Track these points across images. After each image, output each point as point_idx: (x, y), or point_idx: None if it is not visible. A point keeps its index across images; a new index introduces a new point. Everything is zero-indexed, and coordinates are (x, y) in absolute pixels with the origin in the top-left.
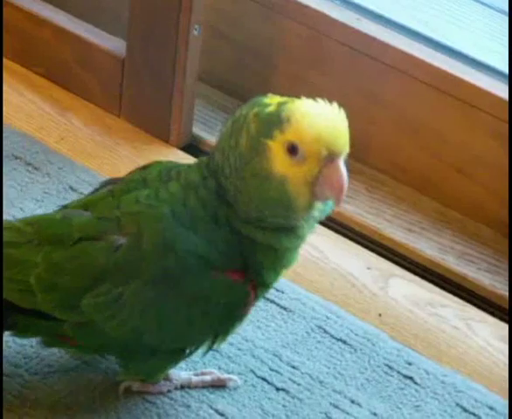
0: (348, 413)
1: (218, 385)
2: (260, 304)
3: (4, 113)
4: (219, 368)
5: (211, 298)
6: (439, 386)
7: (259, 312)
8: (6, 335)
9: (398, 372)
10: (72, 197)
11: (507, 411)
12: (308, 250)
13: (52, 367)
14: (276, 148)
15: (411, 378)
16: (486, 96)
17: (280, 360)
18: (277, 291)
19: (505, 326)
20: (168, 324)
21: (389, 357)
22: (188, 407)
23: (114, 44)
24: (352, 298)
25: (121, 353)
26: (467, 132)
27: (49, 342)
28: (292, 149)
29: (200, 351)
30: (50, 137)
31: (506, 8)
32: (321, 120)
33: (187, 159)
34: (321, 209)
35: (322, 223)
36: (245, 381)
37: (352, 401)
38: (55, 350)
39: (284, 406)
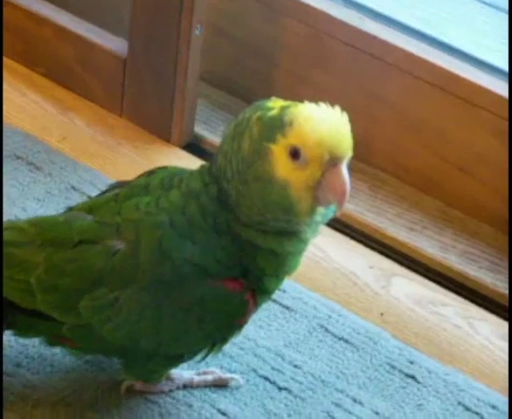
0: (350, 412)
1: (220, 384)
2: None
3: (6, 113)
4: (221, 368)
5: (208, 306)
6: (441, 384)
7: (261, 311)
8: (8, 335)
9: (400, 371)
10: (74, 197)
11: (508, 410)
12: (311, 250)
13: (54, 367)
14: (279, 152)
15: (413, 377)
16: (487, 94)
17: (283, 359)
18: (279, 290)
19: (506, 325)
20: (164, 330)
21: (391, 356)
22: (190, 406)
23: (115, 44)
24: (354, 297)
25: (121, 356)
26: (468, 130)
27: (50, 342)
28: (294, 153)
29: (199, 355)
30: (52, 137)
31: (506, 6)
32: (323, 124)
33: (189, 158)
34: (323, 214)
35: (325, 223)
36: (248, 380)
37: (354, 400)
38: (57, 350)
39: (286, 405)
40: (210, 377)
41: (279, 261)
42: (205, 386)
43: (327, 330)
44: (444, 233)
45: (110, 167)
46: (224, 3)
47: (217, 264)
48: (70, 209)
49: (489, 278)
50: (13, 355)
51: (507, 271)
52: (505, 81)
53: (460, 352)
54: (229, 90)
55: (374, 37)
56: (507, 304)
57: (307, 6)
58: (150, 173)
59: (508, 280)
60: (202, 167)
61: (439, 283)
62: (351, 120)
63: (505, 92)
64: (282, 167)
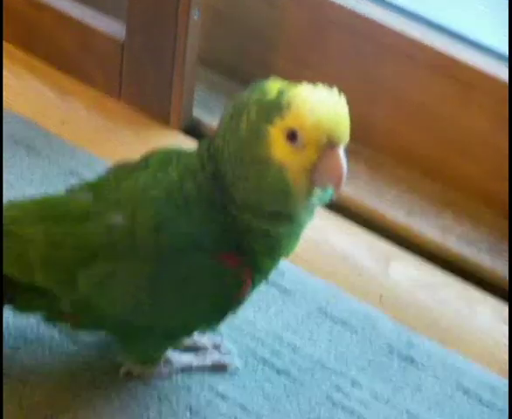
0: (349, 395)
1: (219, 368)
2: (261, 286)
3: (5, 98)
4: (220, 351)
5: (204, 280)
6: (440, 367)
7: (259, 294)
8: (6, 317)
9: (399, 353)
10: (73, 181)
11: (508, 391)
12: (309, 233)
13: (53, 351)
14: (276, 134)
15: (412, 359)
16: (486, 77)
17: (281, 342)
18: (278, 273)
19: (506, 307)
20: (160, 304)
21: (390, 338)
22: (189, 389)
23: (113, 28)
24: (353, 280)
25: (119, 333)
26: (467, 113)
27: (49, 319)
28: (291, 136)
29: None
30: (50, 121)
31: None
32: (321, 106)
33: (187, 141)
34: (320, 197)
35: (323, 205)
36: (246, 363)
37: (353, 383)
38: (55, 334)
39: (285, 388)
40: (208, 360)
41: (273, 243)
42: (204, 369)
43: (326, 313)
44: (443, 216)
45: (109, 151)
46: None
47: (212, 240)
48: (71, 189)
49: (489, 261)
50: (11, 339)
51: (506, 254)
52: (504, 64)
53: (459, 334)
54: (228, 73)
55: (372, 21)
56: (506, 286)
57: None
58: (151, 153)
59: (507, 262)
60: (201, 145)
61: (438, 265)
62: (350, 103)
63: (504, 75)
64: (279, 149)
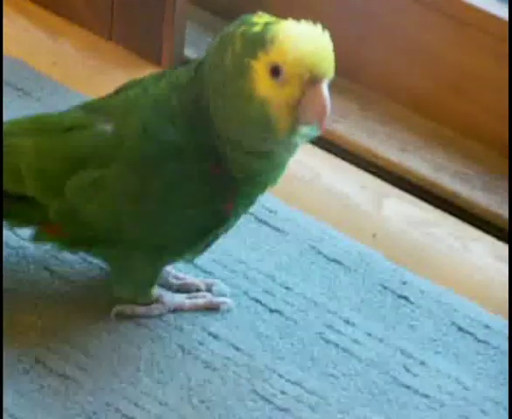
0: (342, 333)
1: (212, 308)
2: (253, 225)
3: None
4: (212, 292)
5: (188, 188)
6: (434, 305)
7: (252, 233)
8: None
9: (393, 292)
10: None
11: (502, 329)
12: (301, 171)
13: (44, 293)
14: (260, 69)
15: (405, 297)
16: (480, 13)
17: (274, 281)
18: (270, 212)
19: (500, 245)
20: (145, 212)
21: (383, 277)
22: (181, 330)
23: None
24: (346, 219)
25: (106, 253)
26: (461, 50)
27: (38, 236)
28: (274, 71)
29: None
30: (41, 63)
31: None
32: (304, 42)
33: None
34: (303, 135)
35: (315, 143)
36: (239, 303)
37: (346, 322)
38: (47, 275)
39: (278, 327)
40: (201, 301)
41: (250, 175)
42: (196, 310)
43: (319, 251)
44: (436, 153)
45: (100, 91)
46: None
47: (197, 151)
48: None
49: (483, 198)
50: (5, 283)
51: (500, 191)
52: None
53: (453, 272)
54: (218, 12)
55: None
56: (500, 223)
57: None
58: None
59: (502, 199)
60: (192, 63)
61: (431, 203)
62: (342, 41)
63: (498, 12)
64: (262, 84)
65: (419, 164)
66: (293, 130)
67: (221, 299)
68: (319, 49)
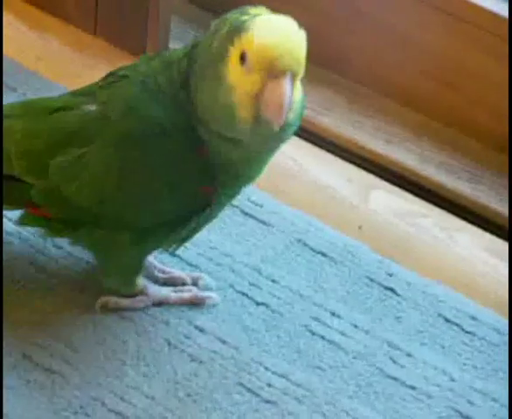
0: (328, 326)
1: (197, 303)
2: (239, 219)
3: None
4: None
5: (171, 166)
6: (420, 296)
7: (237, 227)
8: None
9: (379, 283)
10: None
11: (488, 320)
12: (287, 163)
13: (30, 288)
14: (234, 56)
15: (392, 289)
16: (468, 6)
17: (260, 274)
18: (256, 205)
19: (486, 235)
20: (127, 191)
21: (369, 269)
22: (167, 323)
23: None
24: (332, 211)
25: (91, 237)
26: (448, 43)
27: (24, 218)
28: (242, 57)
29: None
30: (26, 58)
31: None
32: (272, 33)
33: None
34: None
35: (301, 136)
36: (225, 296)
37: (333, 314)
38: (32, 270)
39: (264, 320)
40: (186, 295)
41: (224, 165)
42: (182, 304)
43: (305, 244)
44: (422, 144)
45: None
46: None
47: (180, 129)
48: None
49: (468, 189)
50: None
51: (486, 181)
52: None
53: (439, 263)
54: (204, 5)
55: None
56: (486, 214)
57: None
58: None
59: (487, 190)
60: (189, 43)
61: (417, 194)
62: (330, 33)
63: (488, 5)
64: (233, 70)
65: (405, 155)
66: (256, 120)
67: (206, 294)
68: (285, 43)
